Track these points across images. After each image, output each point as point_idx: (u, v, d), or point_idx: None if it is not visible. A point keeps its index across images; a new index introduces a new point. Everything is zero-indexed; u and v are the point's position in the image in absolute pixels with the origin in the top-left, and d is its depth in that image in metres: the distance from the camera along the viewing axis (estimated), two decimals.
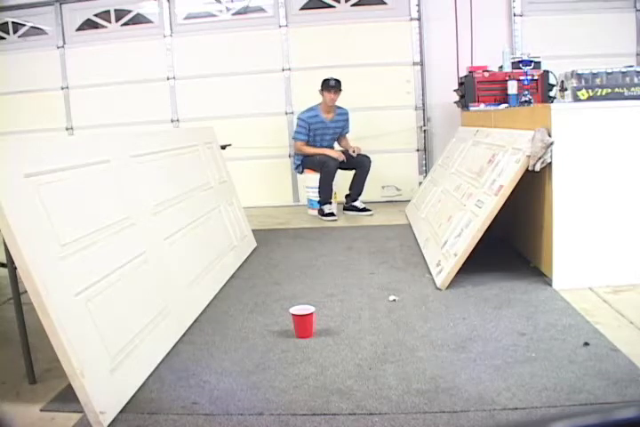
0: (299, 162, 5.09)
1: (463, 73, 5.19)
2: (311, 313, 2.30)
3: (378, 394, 1.80)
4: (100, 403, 1.67)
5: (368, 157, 4.91)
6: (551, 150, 2.65)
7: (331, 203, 4.87)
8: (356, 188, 4.96)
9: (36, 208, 1.75)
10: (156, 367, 2.06)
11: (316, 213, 4.99)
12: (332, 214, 4.80)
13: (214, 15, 5.97)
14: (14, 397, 1.89)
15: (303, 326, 2.30)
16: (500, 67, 4.80)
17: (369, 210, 4.93)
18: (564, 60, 4.66)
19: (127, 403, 1.81)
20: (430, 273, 3.06)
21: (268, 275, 3.26)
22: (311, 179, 5.02)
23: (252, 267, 3.47)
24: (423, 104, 5.76)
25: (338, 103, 4.98)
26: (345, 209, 5.10)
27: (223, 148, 4.17)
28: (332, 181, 4.82)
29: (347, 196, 5.08)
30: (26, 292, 1.65)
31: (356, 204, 4.97)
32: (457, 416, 1.66)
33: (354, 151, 4.88)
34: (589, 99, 2.79)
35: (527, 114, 3.12)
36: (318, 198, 4.89)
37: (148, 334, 2.09)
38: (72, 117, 6.17)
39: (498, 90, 4.56)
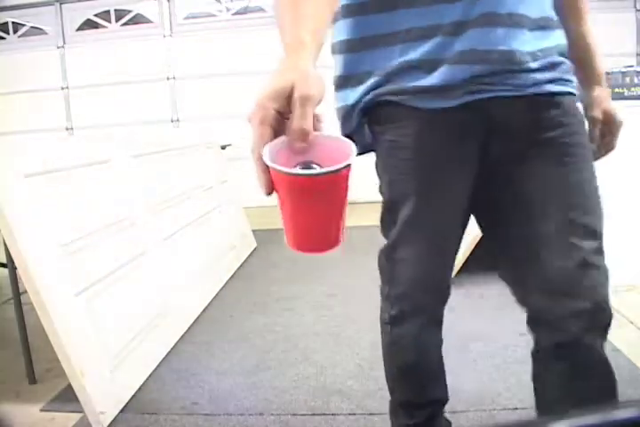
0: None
1: None
2: (341, 169, 0.64)
3: (378, 394, 1.80)
4: (99, 403, 1.67)
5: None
6: None
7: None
8: None
9: (36, 208, 1.75)
10: (156, 367, 2.06)
11: None
12: None
13: (214, 15, 5.97)
14: (14, 397, 1.89)
15: (324, 208, 0.68)
16: None
17: None
18: None
19: (127, 403, 1.81)
20: None
21: (267, 275, 3.26)
22: None
23: (251, 267, 3.47)
24: None
25: None
26: None
27: (223, 148, 4.17)
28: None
29: None
30: (26, 292, 1.64)
31: None
32: (457, 416, 1.65)
33: None
34: None
35: None
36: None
37: (148, 334, 2.09)
38: (72, 117, 6.17)
39: None
